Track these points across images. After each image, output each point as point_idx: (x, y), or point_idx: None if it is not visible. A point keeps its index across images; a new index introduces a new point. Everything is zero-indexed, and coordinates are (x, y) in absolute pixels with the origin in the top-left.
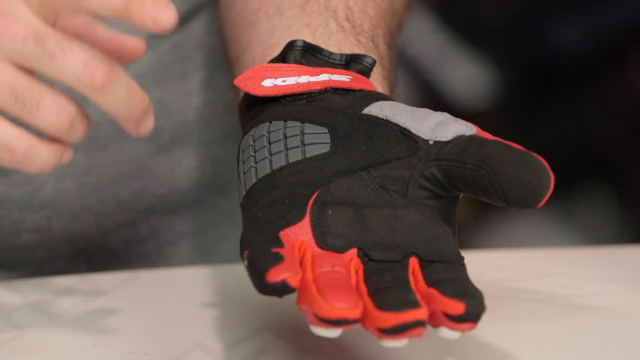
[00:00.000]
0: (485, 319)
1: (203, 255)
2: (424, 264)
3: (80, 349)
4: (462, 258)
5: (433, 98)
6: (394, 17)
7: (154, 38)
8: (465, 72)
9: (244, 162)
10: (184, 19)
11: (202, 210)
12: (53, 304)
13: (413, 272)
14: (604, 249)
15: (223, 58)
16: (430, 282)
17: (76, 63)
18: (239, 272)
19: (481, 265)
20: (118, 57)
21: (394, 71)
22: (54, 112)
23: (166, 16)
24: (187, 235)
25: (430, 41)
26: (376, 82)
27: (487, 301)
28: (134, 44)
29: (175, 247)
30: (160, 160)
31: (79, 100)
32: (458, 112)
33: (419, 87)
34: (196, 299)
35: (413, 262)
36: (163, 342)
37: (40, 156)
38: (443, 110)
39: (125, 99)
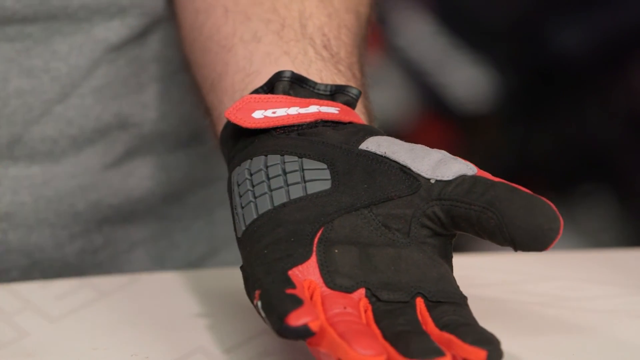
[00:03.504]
0: (485, 321)
1: (156, 263)
2: (431, 304)
3: (82, 353)
4: (466, 298)
5: (434, 101)
6: (363, 41)
7: (109, 52)
8: (466, 75)
9: (240, 196)
10: (142, 33)
11: (155, 218)
12: (54, 307)
13: (421, 313)
14: (605, 252)
15: (180, 70)
16: (441, 325)
17: None
18: (239, 275)
19: (482, 267)
20: None
21: (370, 101)
22: None
23: None
24: (140, 244)
25: (431, 44)
26: (359, 112)
27: (488, 303)
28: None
29: (129, 255)
30: (115, 171)
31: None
32: (459, 115)
33: (420, 91)
34: (197, 302)
35: (420, 302)
36: (164, 345)
37: None
38: (444, 114)
39: None
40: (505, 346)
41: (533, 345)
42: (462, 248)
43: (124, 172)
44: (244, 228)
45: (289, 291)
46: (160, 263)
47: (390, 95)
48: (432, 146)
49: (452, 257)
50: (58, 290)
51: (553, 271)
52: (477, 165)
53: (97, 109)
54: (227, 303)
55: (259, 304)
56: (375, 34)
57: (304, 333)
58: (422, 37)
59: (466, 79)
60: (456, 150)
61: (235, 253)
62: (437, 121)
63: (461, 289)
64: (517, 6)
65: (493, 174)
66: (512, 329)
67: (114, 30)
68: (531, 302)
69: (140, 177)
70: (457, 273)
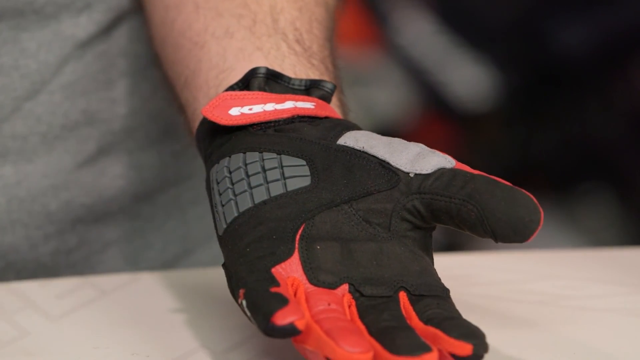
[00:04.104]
0: (486, 320)
1: (130, 262)
2: (414, 298)
3: (82, 351)
4: (448, 290)
5: (435, 100)
6: (333, 34)
7: (78, 48)
8: (468, 74)
9: (220, 194)
10: (108, 28)
11: (128, 217)
12: (55, 306)
13: (404, 307)
14: (605, 250)
15: (149, 65)
16: (425, 319)
17: None
18: None
19: (483, 266)
20: None
21: (343, 94)
22: None
23: None
24: (113, 244)
25: (432, 43)
26: (334, 106)
27: (489, 302)
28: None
29: (102, 255)
30: (87, 170)
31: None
32: (460, 114)
33: (421, 89)
34: (198, 301)
35: (403, 296)
36: (165, 344)
37: None
38: (445, 112)
39: None
40: (505, 345)
41: (534, 344)
42: (463, 247)
43: (95, 171)
44: (224, 226)
45: (274, 289)
46: (134, 263)
47: (391, 94)
48: (433, 145)
49: (432, 249)
50: (58, 289)
51: (554, 270)
52: (479, 164)
53: (66, 106)
54: (228, 302)
55: (244, 303)
56: (376, 32)
57: (291, 332)
58: (423, 35)
59: (467, 78)
60: (457, 148)
61: (210, 253)
62: (438, 120)
63: (462, 287)
64: (519, 5)
65: (494, 173)
66: (512, 327)
67: (81, 26)
68: (532, 301)
69: (112, 176)
70: (458, 272)
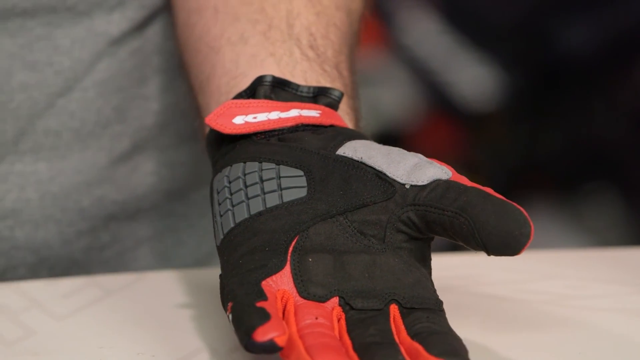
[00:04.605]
0: (490, 320)
1: (162, 260)
2: (405, 311)
3: (88, 351)
4: (441, 303)
5: (440, 100)
6: (353, 38)
7: (111, 45)
8: (473, 74)
9: (219, 204)
10: (142, 25)
11: (160, 215)
12: (60, 305)
13: (394, 320)
14: (610, 250)
15: (180, 73)
16: (413, 333)
17: None
18: None
19: (487, 266)
20: None
21: (358, 99)
22: None
23: None
24: (146, 241)
25: (437, 43)
26: (343, 113)
27: (494, 302)
28: None
29: (135, 252)
30: (119, 167)
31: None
32: (465, 114)
33: (427, 89)
34: (203, 301)
35: (394, 309)
36: (170, 344)
37: None
38: (450, 112)
39: None
40: (508, 345)
41: (538, 344)
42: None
43: (128, 168)
44: (222, 236)
45: (259, 304)
46: (166, 260)
47: (396, 94)
48: (438, 144)
49: (430, 260)
50: (64, 289)
51: (558, 270)
52: (483, 164)
53: (99, 102)
54: None
55: (230, 316)
56: (382, 32)
57: (271, 348)
58: (428, 35)
59: (472, 78)
60: (462, 148)
61: None
62: (443, 120)
63: (467, 287)
64: (524, 5)
65: (498, 172)
66: (517, 327)
67: (114, 23)
68: (536, 301)
69: (145, 173)
70: (462, 272)
